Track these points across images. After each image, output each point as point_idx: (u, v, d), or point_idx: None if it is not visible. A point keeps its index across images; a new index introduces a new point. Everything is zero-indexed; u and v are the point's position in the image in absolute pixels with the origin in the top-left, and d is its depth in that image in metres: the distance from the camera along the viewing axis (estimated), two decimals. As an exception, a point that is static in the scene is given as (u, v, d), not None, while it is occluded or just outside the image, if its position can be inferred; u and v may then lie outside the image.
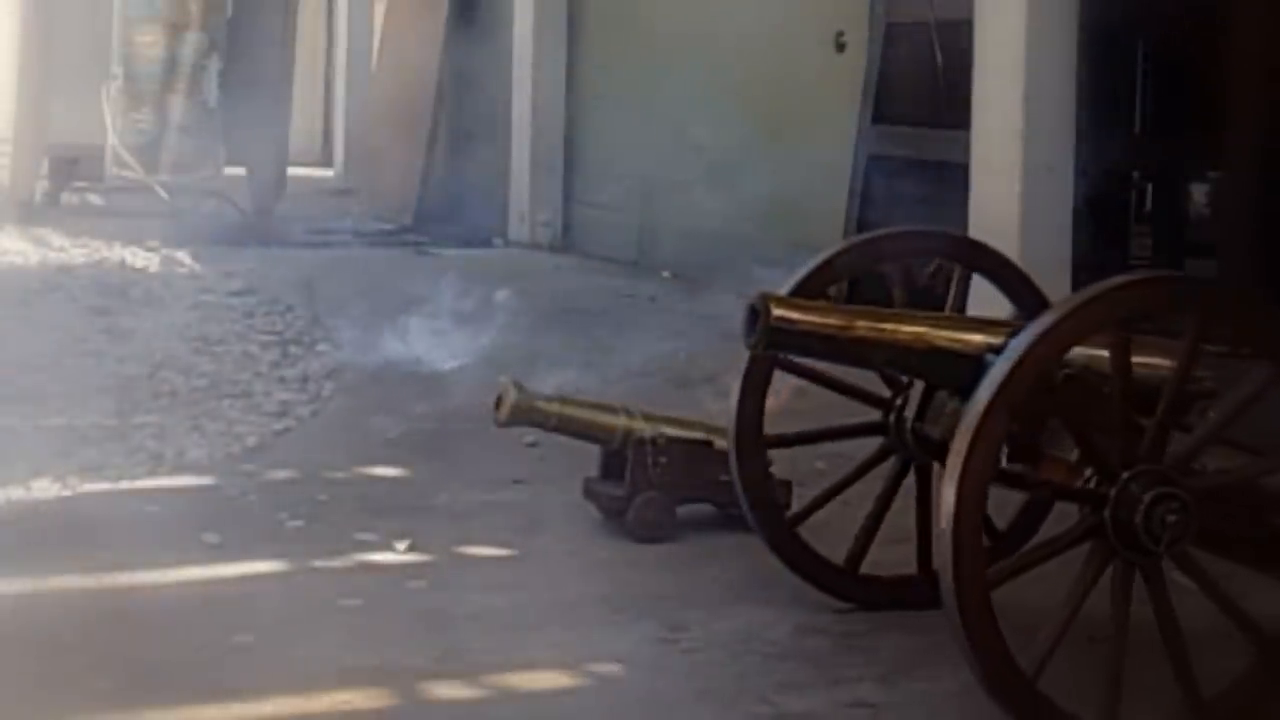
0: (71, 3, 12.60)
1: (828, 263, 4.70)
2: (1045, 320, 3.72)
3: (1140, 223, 9.20)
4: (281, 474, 5.89)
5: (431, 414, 6.89)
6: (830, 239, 8.98)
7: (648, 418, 5.44)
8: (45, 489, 5.62)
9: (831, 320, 4.25)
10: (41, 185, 12.85)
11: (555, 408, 5.38)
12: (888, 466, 4.78)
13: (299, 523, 5.30)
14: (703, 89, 10.77)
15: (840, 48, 9.50)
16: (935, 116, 8.57)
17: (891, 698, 4.04)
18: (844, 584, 4.71)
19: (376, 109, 14.87)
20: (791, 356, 4.62)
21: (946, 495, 3.63)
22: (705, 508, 5.40)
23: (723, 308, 9.73)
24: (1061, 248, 7.41)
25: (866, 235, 4.83)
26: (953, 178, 8.05)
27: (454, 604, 4.60)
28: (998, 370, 3.68)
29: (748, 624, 4.48)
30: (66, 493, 5.61)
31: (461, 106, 13.76)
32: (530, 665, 4.16)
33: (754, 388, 4.70)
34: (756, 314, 4.24)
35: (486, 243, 12.63)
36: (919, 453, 4.62)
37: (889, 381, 4.67)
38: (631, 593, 4.74)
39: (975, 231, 7.71)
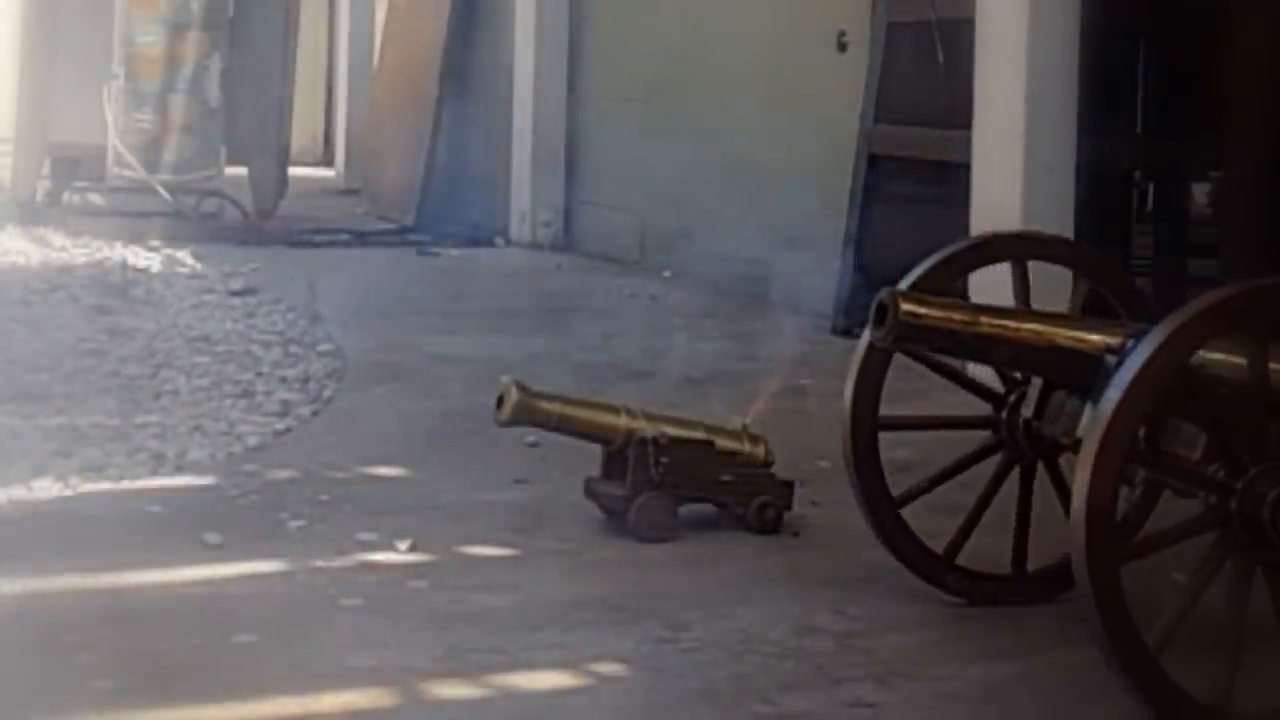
0: (73, 2, 12.59)
1: (944, 261, 4.75)
2: (1177, 319, 3.78)
3: (1142, 223, 9.20)
4: (283, 474, 5.89)
5: (433, 413, 6.89)
6: (831, 239, 9.02)
7: (649, 417, 5.43)
8: (46, 488, 5.62)
9: (956, 316, 4.34)
10: (43, 185, 12.86)
11: (556, 407, 5.38)
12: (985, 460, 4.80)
13: (300, 522, 5.30)
14: (704, 88, 10.78)
15: (842, 47, 9.50)
16: (937, 116, 8.57)
17: (891, 698, 4.04)
18: (940, 573, 4.73)
19: (378, 109, 14.87)
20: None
21: (1079, 491, 3.69)
22: (707, 508, 5.40)
23: (723, 307, 9.75)
24: (1063, 248, 7.40)
25: (981, 235, 4.88)
26: (954, 178, 8.06)
27: (455, 604, 4.60)
28: (1131, 366, 3.76)
29: (748, 624, 4.48)
30: (68, 492, 5.61)
31: (463, 106, 13.77)
32: (531, 665, 4.16)
33: (869, 381, 4.71)
34: (884, 309, 4.30)
35: (488, 242, 12.64)
36: (1028, 451, 4.65)
37: (1004, 379, 4.70)
38: (632, 593, 4.74)
39: (976, 231, 7.71)
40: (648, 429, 5.34)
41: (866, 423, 4.72)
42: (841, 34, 9.48)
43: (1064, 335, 4.35)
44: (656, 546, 5.17)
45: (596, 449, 5.44)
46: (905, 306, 4.29)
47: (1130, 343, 4.13)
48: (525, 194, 12.70)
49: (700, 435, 5.44)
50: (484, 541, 5.19)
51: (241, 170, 12.70)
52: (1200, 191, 9.41)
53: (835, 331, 8.89)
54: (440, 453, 6.27)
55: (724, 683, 4.09)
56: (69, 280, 9.90)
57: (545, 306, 9.82)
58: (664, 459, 5.29)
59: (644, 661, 4.21)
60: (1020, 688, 4.17)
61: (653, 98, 11.45)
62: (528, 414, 5.34)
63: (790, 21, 10.05)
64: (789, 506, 5.40)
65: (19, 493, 5.56)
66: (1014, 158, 7.54)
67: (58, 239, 11.70)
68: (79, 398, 6.93)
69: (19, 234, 11.86)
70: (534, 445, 6.06)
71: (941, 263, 4.73)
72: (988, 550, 4.74)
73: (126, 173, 12.20)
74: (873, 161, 8.90)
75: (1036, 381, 4.56)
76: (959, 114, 8.07)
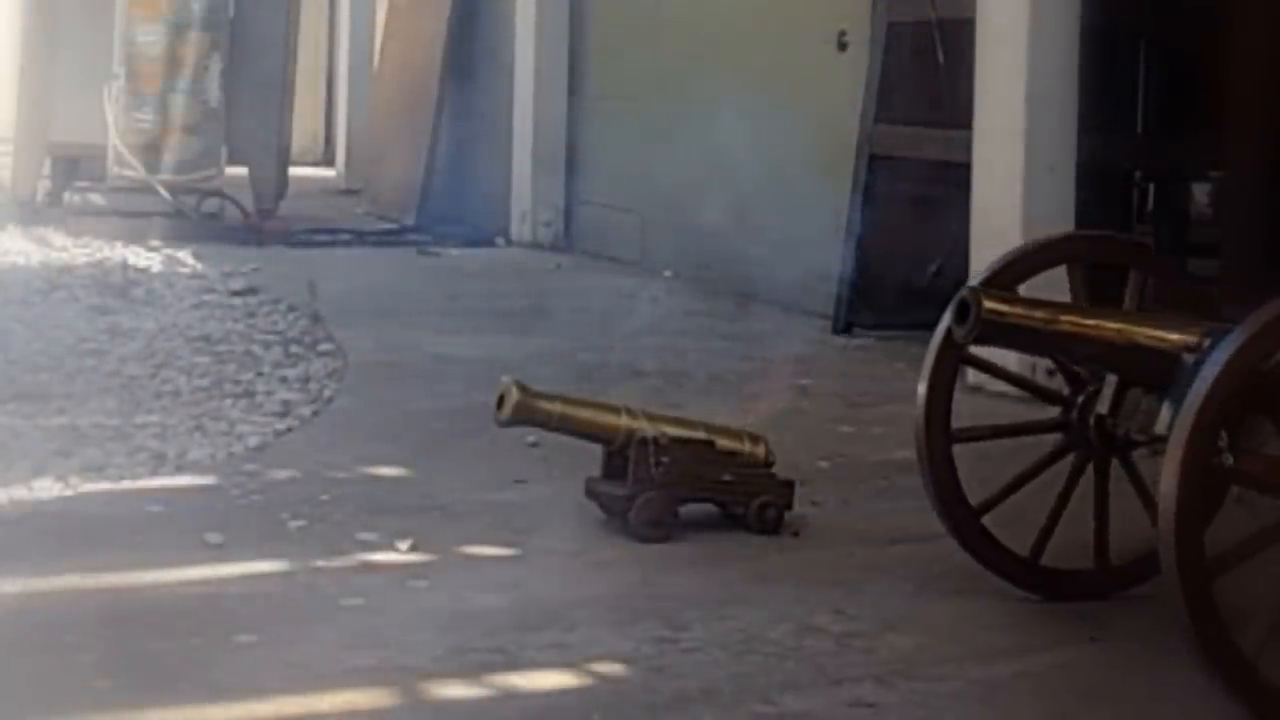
0: (73, 3, 12.59)
1: (1015, 260, 4.81)
2: (1261, 318, 3.84)
3: (1142, 223, 9.21)
4: (283, 474, 5.89)
5: (433, 413, 6.89)
6: (831, 238, 9.02)
7: (650, 417, 5.43)
8: (47, 488, 5.62)
9: (1038, 314, 4.42)
10: (43, 185, 12.85)
11: (557, 407, 5.37)
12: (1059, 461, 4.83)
13: (301, 522, 5.30)
14: (704, 88, 10.77)
15: (842, 47, 9.51)
16: (937, 116, 8.57)
17: (891, 698, 4.04)
18: (1025, 575, 4.77)
19: (379, 109, 14.87)
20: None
21: (1167, 490, 3.76)
22: (707, 508, 5.40)
23: (723, 307, 9.75)
24: (1063, 248, 7.40)
25: (1057, 235, 4.96)
26: (955, 178, 8.06)
27: (455, 603, 4.60)
28: (1216, 363, 3.82)
29: (749, 624, 4.48)
30: (68, 492, 5.61)
31: (463, 106, 13.76)
32: (532, 665, 4.16)
33: (942, 381, 4.74)
34: (967, 306, 4.37)
35: (489, 242, 12.64)
36: (1095, 444, 4.69)
37: (1071, 379, 4.74)
38: (633, 592, 4.74)
39: (976, 231, 7.72)
40: (648, 429, 5.34)
41: (940, 419, 4.73)
42: (841, 34, 9.48)
43: (1144, 334, 4.42)
44: (658, 546, 5.17)
45: (597, 449, 5.44)
46: (988, 304, 4.35)
47: (1207, 342, 4.20)
48: (525, 194, 12.70)
49: (701, 435, 5.43)
50: (484, 541, 5.19)
51: (242, 170, 12.69)
52: (1200, 191, 9.41)
53: (835, 331, 8.89)
54: (440, 453, 6.27)
55: (724, 683, 4.09)
56: (69, 280, 9.90)
57: (545, 306, 9.81)
58: (664, 459, 5.29)
59: (644, 661, 4.21)
60: (1020, 688, 4.17)
61: (653, 98, 11.45)
62: (528, 414, 5.34)
63: (790, 21, 10.05)
64: (789, 506, 5.40)
65: (19, 492, 5.57)
66: (1014, 157, 7.54)
67: (58, 239, 11.70)
68: (79, 398, 6.93)
69: (19, 234, 11.86)
70: (534, 445, 6.07)
71: (1010, 263, 4.79)
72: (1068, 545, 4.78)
73: (127, 173, 12.20)
74: (873, 161, 8.89)
75: (1111, 378, 4.60)
76: (959, 114, 8.07)
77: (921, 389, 4.75)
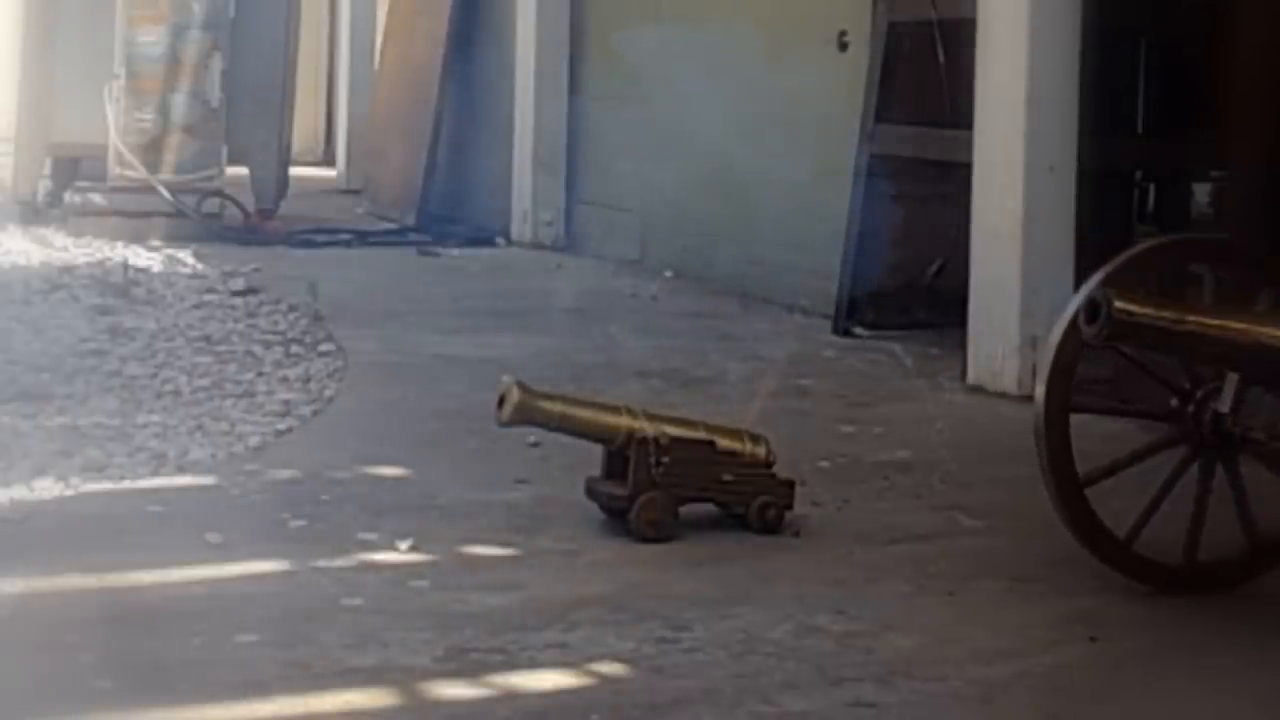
0: (73, 2, 12.59)
1: (1133, 260, 4.83)
2: None
3: (1143, 223, 9.21)
4: (284, 474, 5.89)
5: (434, 413, 6.90)
6: (831, 239, 9.02)
7: (650, 417, 5.43)
8: (48, 488, 5.62)
9: (1166, 314, 4.47)
10: (44, 185, 12.86)
11: (558, 407, 5.37)
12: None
13: (301, 522, 5.30)
14: (705, 88, 10.78)
15: (843, 47, 9.50)
16: (938, 116, 8.57)
17: (891, 698, 4.04)
18: (1127, 561, 4.77)
19: (379, 109, 14.87)
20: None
21: None
22: (707, 508, 5.40)
23: (723, 307, 9.76)
24: (1064, 248, 7.41)
25: (1173, 237, 5.02)
26: (955, 177, 8.06)
27: (456, 603, 4.60)
28: None
29: (749, 624, 4.48)
30: (69, 492, 5.61)
31: (464, 106, 13.77)
32: (532, 665, 4.16)
33: (1062, 372, 4.75)
34: (1097, 305, 4.42)
35: (490, 242, 12.64)
36: (1214, 445, 4.71)
37: (1190, 376, 4.77)
38: (633, 593, 4.74)
39: (978, 232, 7.72)
40: (649, 429, 5.34)
41: (1059, 423, 4.74)
42: (842, 34, 9.48)
43: (1269, 334, 4.48)
44: (658, 546, 5.17)
45: (597, 449, 5.44)
46: (1118, 304, 4.40)
47: None
48: (526, 194, 12.70)
49: (701, 435, 5.43)
50: (485, 541, 5.19)
51: (242, 170, 12.70)
52: (1200, 191, 9.42)
53: (835, 331, 8.89)
54: (441, 453, 6.28)
55: (725, 682, 4.09)
56: (70, 280, 9.90)
57: (546, 306, 9.82)
58: (665, 459, 5.29)
59: (645, 661, 4.21)
60: (1020, 688, 4.17)
61: (653, 98, 11.45)
62: (529, 414, 5.34)
63: (790, 21, 10.05)
64: (790, 506, 5.40)
65: (20, 492, 5.57)
66: (1015, 157, 7.54)
67: (59, 239, 11.70)
68: (80, 397, 6.94)
69: (20, 234, 11.86)
70: (535, 445, 6.07)
71: (1127, 262, 4.80)
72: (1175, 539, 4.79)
73: (128, 173, 12.20)
74: (873, 161, 8.90)
75: (1232, 377, 4.64)
76: (959, 114, 8.07)
77: (1040, 390, 4.75)
